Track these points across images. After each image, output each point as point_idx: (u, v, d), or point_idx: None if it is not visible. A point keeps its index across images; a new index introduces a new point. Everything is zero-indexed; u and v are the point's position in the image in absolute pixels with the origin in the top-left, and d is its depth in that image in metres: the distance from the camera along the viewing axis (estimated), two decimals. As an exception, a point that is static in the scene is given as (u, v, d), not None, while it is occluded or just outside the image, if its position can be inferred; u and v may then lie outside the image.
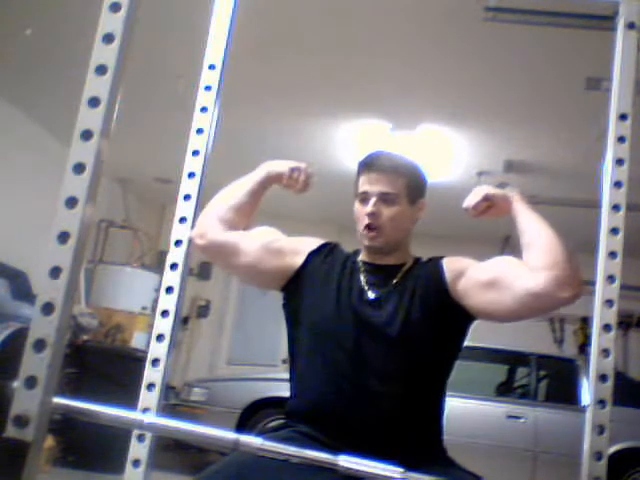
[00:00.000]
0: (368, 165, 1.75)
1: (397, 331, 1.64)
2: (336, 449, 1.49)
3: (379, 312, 1.67)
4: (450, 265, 1.72)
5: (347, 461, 1.31)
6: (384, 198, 1.71)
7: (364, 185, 1.74)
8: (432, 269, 1.73)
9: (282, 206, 8.36)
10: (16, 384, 0.96)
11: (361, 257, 1.79)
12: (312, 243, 1.82)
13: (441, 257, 1.77)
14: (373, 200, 1.71)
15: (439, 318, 1.67)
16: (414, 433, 1.61)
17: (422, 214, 1.80)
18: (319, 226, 8.66)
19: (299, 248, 1.79)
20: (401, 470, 1.29)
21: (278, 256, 1.77)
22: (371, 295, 1.70)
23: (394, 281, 1.72)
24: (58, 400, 1.06)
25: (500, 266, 1.65)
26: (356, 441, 1.54)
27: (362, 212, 1.73)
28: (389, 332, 1.64)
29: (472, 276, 1.66)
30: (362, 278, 1.73)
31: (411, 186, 1.75)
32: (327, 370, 1.64)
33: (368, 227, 1.72)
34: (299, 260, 1.77)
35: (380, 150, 1.81)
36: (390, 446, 1.52)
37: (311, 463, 1.35)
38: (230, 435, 1.32)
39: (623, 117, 1.72)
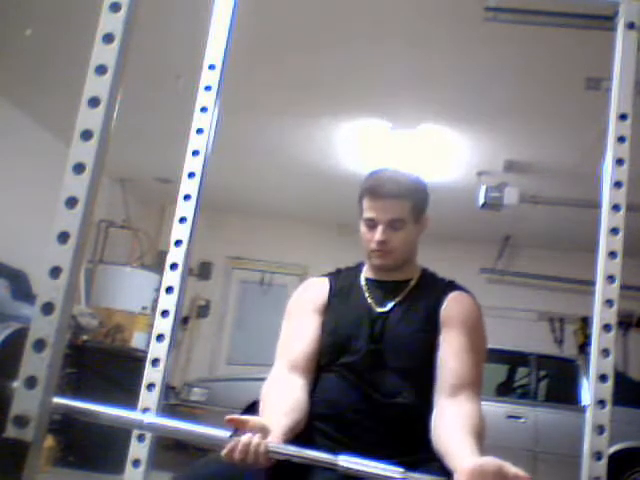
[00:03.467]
0: (373, 191, 1.75)
1: (403, 348, 1.69)
2: (339, 442, 1.51)
3: (384, 325, 1.72)
4: (449, 308, 1.73)
5: (347, 461, 1.31)
6: (392, 225, 1.74)
7: (370, 212, 1.75)
8: (434, 299, 1.75)
9: (282, 206, 8.40)
10: (16, 384, 0.96)
11: (366, 274, 1.84)
12: (320, 284, 1.83)
13: (450, 287, 1.79)
14: (381, 228, 1.73)
15: (436, 334, 1.71)
16: (419, 437, 1.62)
17: (426, 227, 1.84)
18: (319, 226, 8.68)
19: (316, 294, 1.80)
20: (401, 470, 1.29)
21: (317, 317, 1.77)
22: (377, 310, 1.75)
23: (399, 298, 1.77)
24: (58, 400, 1.06)
25: (469, 368, 1.64)
26: (359, 436, 1.59)
27: (370, 237, 1.76)
28: (392, 344, 1.70)
29: (452, 336, 1.68)
30: (368, 294, 1.78)
31: (416, 207, 1.77)
32: (337, 375, 1.69)
33: (378, 251, 1.75)
34: (325, 297, 1.80)
35: (384, 170, 1.81)
36: (393, 446, 1.55)
37: (311, 463, 1.36)
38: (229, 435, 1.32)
39: (623, 117, 1.72)
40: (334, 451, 1.38)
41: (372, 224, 1.75)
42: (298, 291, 1.86)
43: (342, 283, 1.83)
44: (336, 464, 1.32)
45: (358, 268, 1.87)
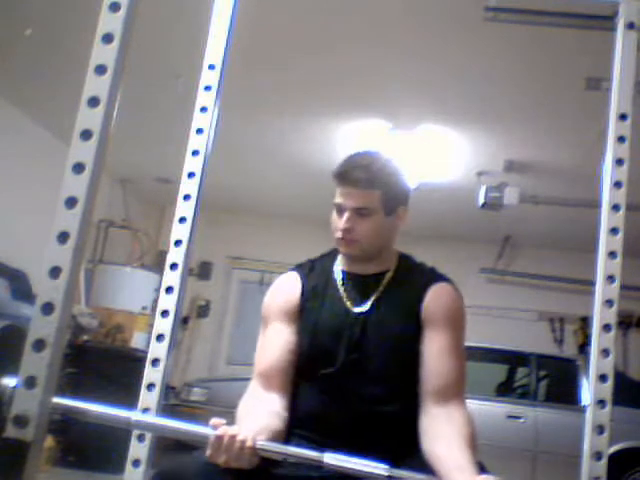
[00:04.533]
0: (342, 177, 1.69)
1: (384, 354, 1.65)
2: (325, 446, 1.50)
3: (363, 329, 1.67)
4: (431, 304, 1.68)
5: (332, 458, 1.32)
6: (358, 212, 1.68)
7: (339, 197, 1.70)
8: (414, 294, 1.70)
9: (282, 206, 8.39)
10: (14, 383, 0.96)
11: (341, 265, 1.77)
12: (290, 284, 1.76)
13: (430, 278, 1.73)
14: (347, 215, 1.68)
15: (419, 331, 1.67)
16: (405, 442, 1.61)
17: (403, 222, 1.76)
18: (319, 226, 8.66)
19: (286, 299, 1.74)
20: (386, 467, 1.29)
21: (290, 324, 1.71)
22: (355, 310, 1.70)
23: (377, 294, 1.71)
24: (58, 400, 1.05)
25: (455, 369, 1.63)
26: (343, 444, 1.55)
27: (337, 223, 1.70)
28: (373, 349, 1.66)
29: (435, 335, 1.64)
30: (345, 293, 1.72)
31: (387, 197, 1.70)
32: (318, 385, 1.66)
33: (342, 239, 1.70)
34: (297, 301, 1.73)
35: (358, 154, 1.74)
36: (380, 454, 1.53)
37: (297, 460, 1.36)
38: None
39: (623, 117, 1.72)
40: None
41: (339, 209, 1.70)
42: (269, 294, 1.78)
43: (315, 280, 1.75)
44: (321, 461, 1.32)
45: (332, 256, 1.80)
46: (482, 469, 1.44)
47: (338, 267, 1.77)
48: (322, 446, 1.51)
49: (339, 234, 1.70)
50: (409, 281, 1.72)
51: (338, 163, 1.73)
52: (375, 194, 1.68)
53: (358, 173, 1.68)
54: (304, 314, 1.72)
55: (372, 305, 1.70)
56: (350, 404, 1.63)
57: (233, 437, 1.32)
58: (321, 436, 1.60)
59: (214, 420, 1.35)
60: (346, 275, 1.75)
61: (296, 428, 1.62)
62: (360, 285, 1.73)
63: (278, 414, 1.56)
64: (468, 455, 1.43)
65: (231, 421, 1.43)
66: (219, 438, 1.32)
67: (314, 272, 1.78)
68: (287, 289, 1.75)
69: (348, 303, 1.71)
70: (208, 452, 1.33)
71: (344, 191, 1.69)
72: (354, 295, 1.72)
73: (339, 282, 1.75)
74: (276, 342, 1.68)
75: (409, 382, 1.63)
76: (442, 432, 1.51)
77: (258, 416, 1.50)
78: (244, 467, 1.33)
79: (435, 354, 1.62)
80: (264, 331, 1.73)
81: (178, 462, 1.55)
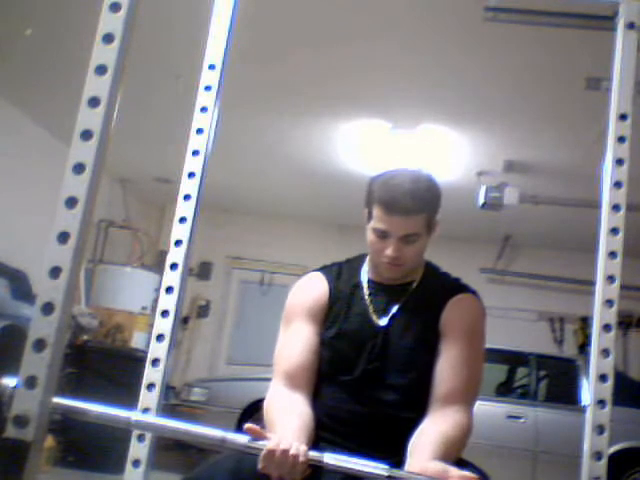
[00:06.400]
0: (388, 205, 1.64)
1: (403, 366, 1.66)
2: (342, 447, 1.50)
3: (384, 340, 1.68)
4: (450, 315, 1.69)
5: (332, 458, 1.32)
6: (405, 239, 1.66)
7: (383, 224, 1.66)
8: (436, 304, 1.71)
9: (282, 206, 8.40)
10: (14, 383, 0.96)
11: (369, 274, 1.78)
12: (318, 285, 1.76)
13: (453, 289, 1.74)
14: (395, 243, 1.66)
15: (437, 342, 1.69)
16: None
17: (435, 232, 1.75)
18: (319, 226, 8.68)
19: (314, 299, 1.74)
20: (386, 467, 1.30)
21: (315, 324, 1.72)
22: (378, 323, 1.70)
23: (400, 304, 1.72)
24: (58, 400, 1.05)
25: (464, 379, 1.63)
26: (363, 443, 1.57)
27: (380, 247, 1.67)
28: (393, 359, 1.67)
29: (450, 345, 1.65)
30: (370, 304, 1.73)
31: (430, 218, 1.70)
32: (336, 389, 1.67)
33: (389, 264, 1.69)
34: (324, 302, 1.74)
35: (399, 177, 1.69)
36: (397, 450, 1.53)
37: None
38: (217, 433, 1.33)
39: (623, 117, 1.72)
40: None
41: (384, 235, 1.67)
42: (295, 292, 1.78)
43: (343, 285, 1.75)
44: (321, 461, 1.32)
45: (360, 262, 1.80)
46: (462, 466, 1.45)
47: (365, 275, 1.78)
48: (338, 447, 1.53)
49: (385, 260, 1.68)
50: (432, 293, 1.73)
51: (376, 185, 1.70)
52: (421, 218, 1.67)
53: (406, 201, 1.64)
54: (329, 318, 1.72)
55: (395, 317, 1.71)
56: (367, 408, 1.63)
57: (286, 452, 1.33)
58: (339, 437, 1.61)
59: (248, 426, 1.35)
60: (373, 284, 1.76)
61: (316, 429, 1.62)
62: (386, 295, 1.73)
63: (308, 414, 1.57)
64: (435, 448, 1.43)
65: (231, 422, 1.43)
66: (271, 452, 1.33)
67: (341, 277, 1.78)
68: (314, 289, 1.76)
69: (373, 315, 1.71)
70: (260, 465, 1.34)
71: (391, 219, 1.65)
72: (379, 306, 1.72)
73: (366, 291, 1.75)
74: (300, 341, 1.68)
75: (426, 391, 1.63)
76: (425, 430, 1.52)
77: (291, 420, 1.51)
78: (297, 478, 1.34)
79: (447, 364, 1.63)
80: (286, 329, 1.73)
81: (205, 469, 1.55)
